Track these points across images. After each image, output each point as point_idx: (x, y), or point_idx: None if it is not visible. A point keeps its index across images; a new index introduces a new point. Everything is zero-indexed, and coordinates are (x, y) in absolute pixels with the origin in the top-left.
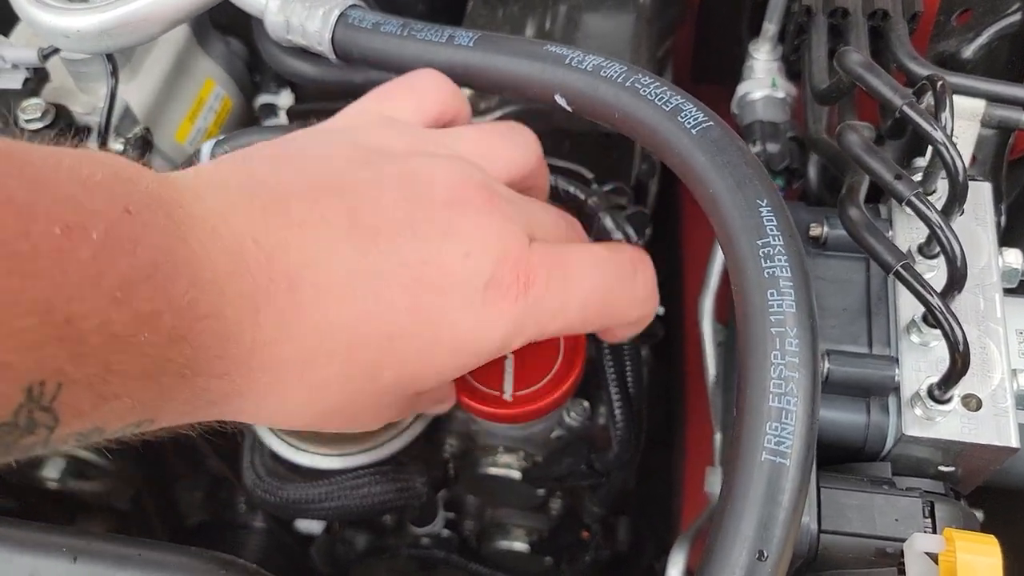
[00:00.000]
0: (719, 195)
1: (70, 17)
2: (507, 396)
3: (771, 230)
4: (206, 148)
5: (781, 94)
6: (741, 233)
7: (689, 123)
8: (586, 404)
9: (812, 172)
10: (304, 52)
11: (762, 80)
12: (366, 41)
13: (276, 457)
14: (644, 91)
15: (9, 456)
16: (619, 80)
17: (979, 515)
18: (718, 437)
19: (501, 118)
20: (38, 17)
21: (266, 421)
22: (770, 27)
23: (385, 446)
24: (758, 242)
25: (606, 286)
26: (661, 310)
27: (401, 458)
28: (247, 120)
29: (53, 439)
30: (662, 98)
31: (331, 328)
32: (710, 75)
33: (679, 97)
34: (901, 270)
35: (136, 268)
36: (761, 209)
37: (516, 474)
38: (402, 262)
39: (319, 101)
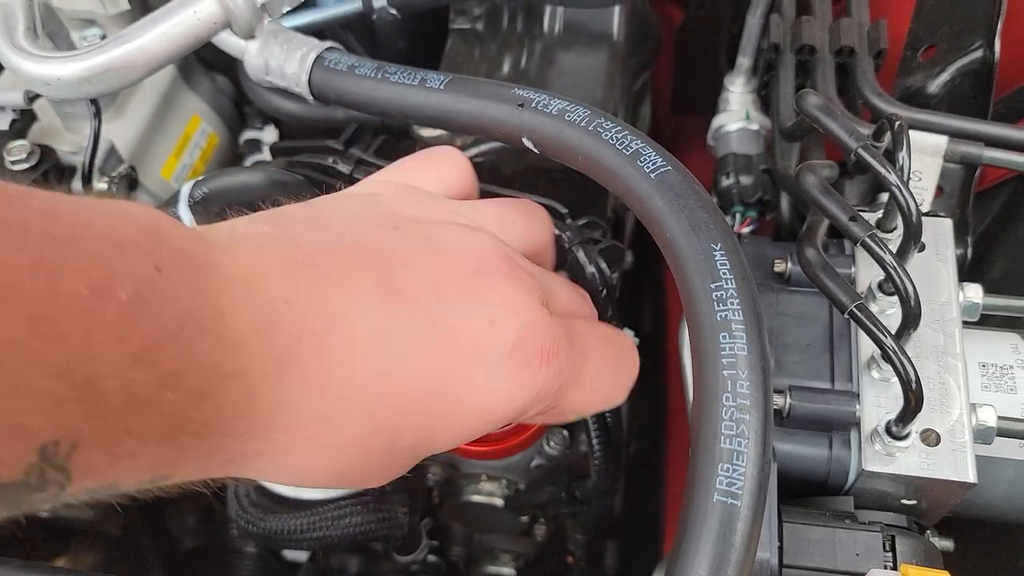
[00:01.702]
0: (675, 239)
1: (50, 65)
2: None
3: (724, 274)
4: (185, 189)
5: (755, 126)
6: (695, 276)
7: (648, 167)
8: (565, 433)
9: (784, 205)
10: (286, 91)
11: (737, 112)
12: (341, 83)
13: (260, 488)
14: (606, 135)
15: (16, 511)
16: (582, 124)
17: (949, 544)
18: None
19: (477, 156)
20: (20, 65)
21: (283, 480)
22: (744, 61)
23: None
24: (711, 285)
25: (614, 365)
26: (636, 339)
27: (383, 487)
28: (233, 155)
29: (64, 495)
30: (623, 142)
31: (355, 390)
32: (690, 106)
33: (639, 141)
34: (855, 310)
35: (162, 328)
36: (715, 253)
37: (499, 502)
38: (429, 326)
39: (302, 137)
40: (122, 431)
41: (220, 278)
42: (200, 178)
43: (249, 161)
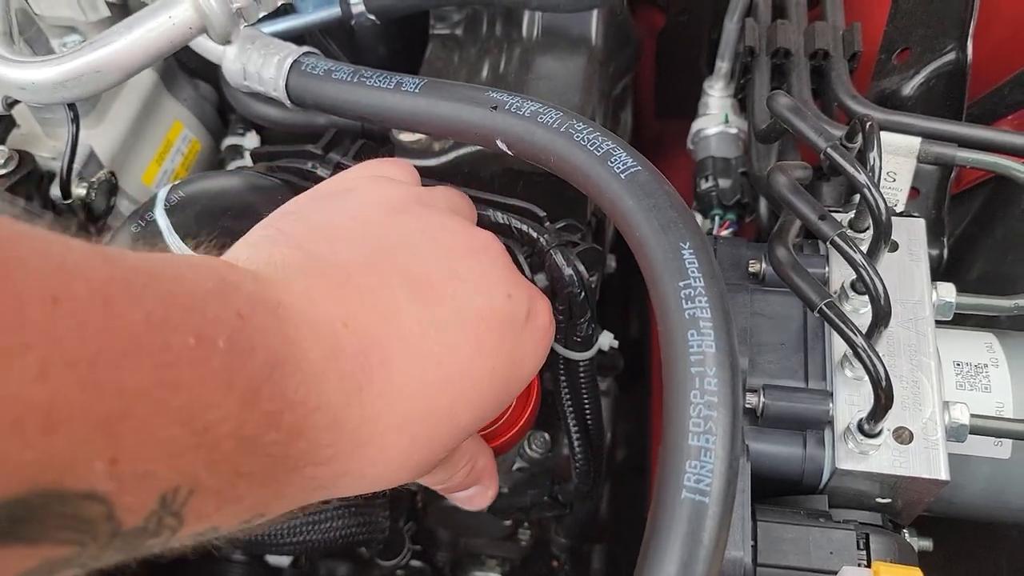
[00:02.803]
0: (644, 238)
1: (25, 70)
2: None
3: (693, 272)
4: (161, 193)
5: (734, 130)
6: (664, 274)
7: (618, 167)
8: (547, 436)
9: (763, 208)
10: (267, 96)
11: (716, 116)
12: (318, 87)
13: None
14: (577, 136)
15: (127, 557)
16: (554, 126)
17: (928, 544)
18: None
19: (455, 159)
20: None
21: (370, 487)
22: (723, 64)
23: None
24: (680, 284)
25: None
26: (616, 343)
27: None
28: (215, 161)
29: (172, 540)
30: (594, 143)
31: (420, 386)
32: (674, 111)
33: (610, 142)
34: (825, 308)
35: (258, 370)
36: (684, 252)
37: None
38: (458, 307)
39: (284, 143)
40: (233, 475)
41: (287, 316)
42: (176, 183)
43: (230, 166)
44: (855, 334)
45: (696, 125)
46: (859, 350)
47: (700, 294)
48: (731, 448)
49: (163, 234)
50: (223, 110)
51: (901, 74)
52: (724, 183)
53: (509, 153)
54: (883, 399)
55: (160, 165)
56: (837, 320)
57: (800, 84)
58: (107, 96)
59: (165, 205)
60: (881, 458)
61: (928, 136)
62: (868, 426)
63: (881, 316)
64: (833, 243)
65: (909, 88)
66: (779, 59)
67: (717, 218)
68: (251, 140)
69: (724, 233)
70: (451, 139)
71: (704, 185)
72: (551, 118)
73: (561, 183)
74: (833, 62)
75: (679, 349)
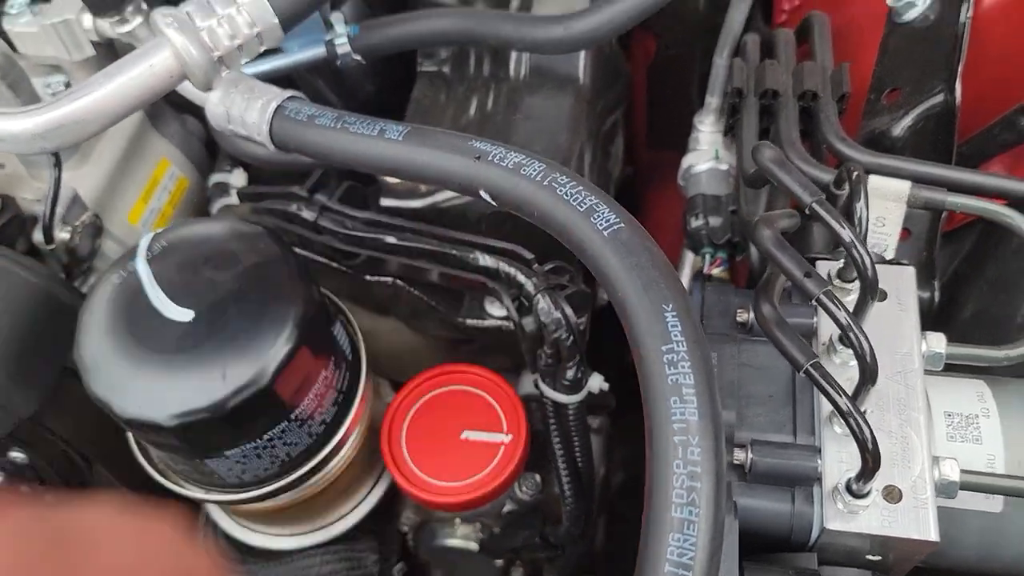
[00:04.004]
0: (627, 297)
1: (5, 122)
2: (454, 484)
3: (675, 336)
4: (144, 242)
5: (724, 166)
6: (646, 337)
7: (601, 224)
8: (537, 478)
9: (754, 248)
10: None
11: (706, 152)
12: (302, 133)
13: (228, 537)
14: (560, 190)
15: None
16: (537, 178)
17: None
18: None
19: (443, 201)
20: None
21: None
22: (712, 100)
23: (336, 524)
24: (662, 348)
25: None
26: (606, 385)
27: (353, 534)
28: (203, 198)
29: None
30: (577, 198)
31: None
32: (665, 142)
33: (593, 198)
34: (811, 370)
35: None
36: (667, 314)
37: (474, 546)
38: None
39: (273, 180)
40: None
41: None
42: (159, 231)
43: (216, 204)
44: (840, 395)
45: (686, 161)
46: (845, 414)
47: (683, 359)
48: (714, 520)
49: (143, 283)
50: (210, 143)
51: (891, 114)
52: (714, 221)
53: (493, 204)
54: (870, 463)
55: (147, 204)
56: (823, 382)
57: (788, 125)
58: None
59: (148, 255)
60: (870, 518)
61: (917, 180)
62: (857, 487)
63: (868, 375)
64: (819, 302)
65: (899, 129)
66: (767, 100)
67: (708, 256)
68: (238, 177)
69: (715, 271)
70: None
71: (694, 223)
72: (534, 170)
73: None
74: (822, 103)
75: (662, 416)
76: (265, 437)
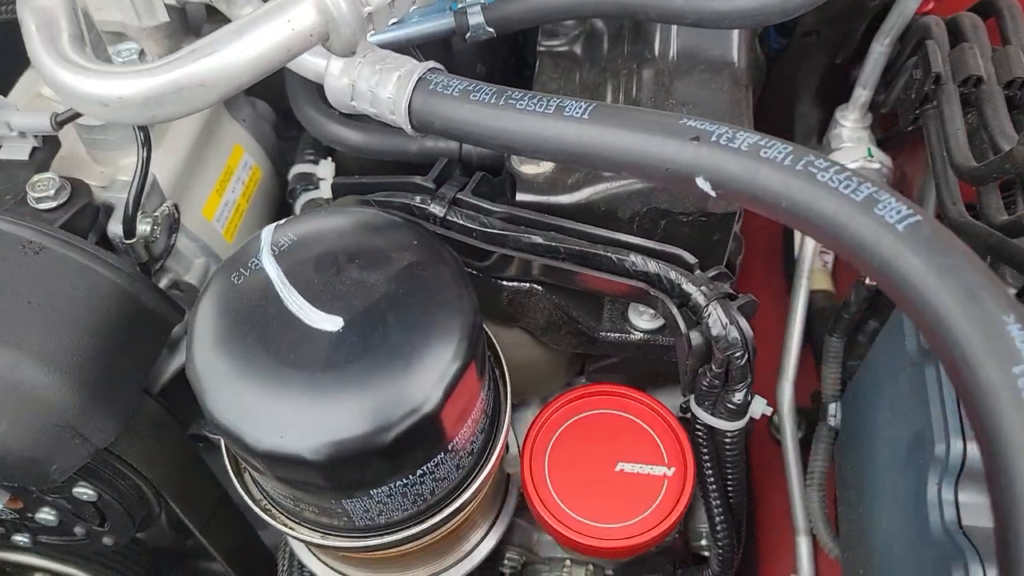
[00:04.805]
0: (944, 308)
1: (110, 81)
2: (615, 526)
3: None
4: (266, 236)
5: (876, 164)
6: (985, 357)
7: (891, 217)
8: None
9: None
10: (347, 117)
11: (854, 150)
12: (452, 110)
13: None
14: (822, 176)
15: None
16: (785, 162)
17: None
18: (802, 541)
19: (591, 196)
20: (66, 80)
21: None
22: (863, 93)
23: (450, 571)
24: (1013, 370)
25: None
26: (769, 409)
27: None
28: (277, 192)
29: None
30: (848, 185)
31: None
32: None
33: (870, 185)
34: None
35: None
36: (1009, 327)
37: None
38: None
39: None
40: None
41: None
42: (279, 223)
43: (302, 199)
44: None
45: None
46: None
47: None
48: None
49: (274, 285)
50: (279, 132)
51: None
52: None
53: (712, 194)
54: None
55: (221, 196)
56: None
57: (997, 117)
58: None
59: (274, 250)
60: None
61: None
62: None
63: None
64: None
65: None
66: (968, 88)
67: None
68: (325, 168)
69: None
70: (618, 174)
71: None
72: (778, 152)
73: (709, 224)
74: None
75: None
76: (418, 472)
